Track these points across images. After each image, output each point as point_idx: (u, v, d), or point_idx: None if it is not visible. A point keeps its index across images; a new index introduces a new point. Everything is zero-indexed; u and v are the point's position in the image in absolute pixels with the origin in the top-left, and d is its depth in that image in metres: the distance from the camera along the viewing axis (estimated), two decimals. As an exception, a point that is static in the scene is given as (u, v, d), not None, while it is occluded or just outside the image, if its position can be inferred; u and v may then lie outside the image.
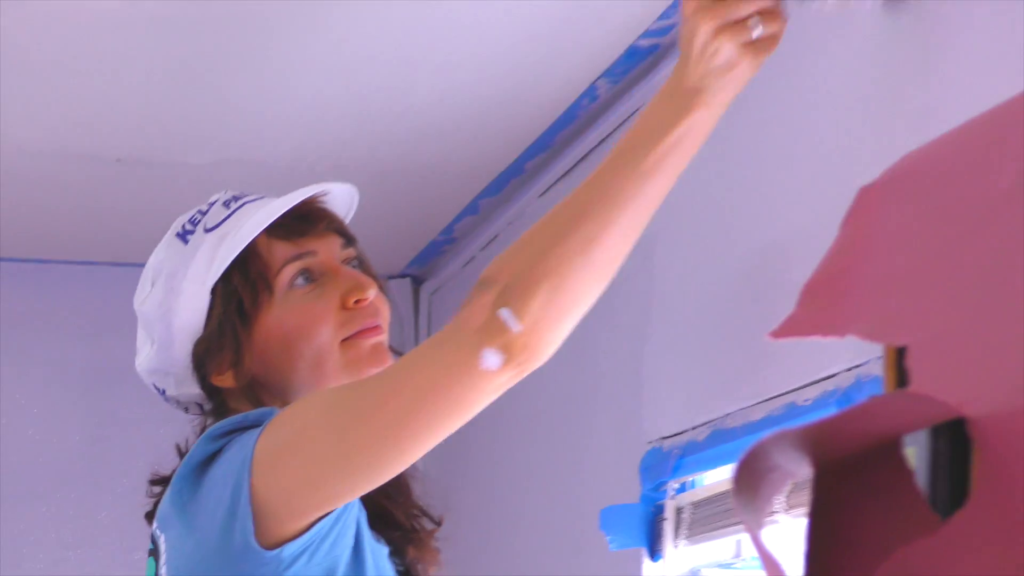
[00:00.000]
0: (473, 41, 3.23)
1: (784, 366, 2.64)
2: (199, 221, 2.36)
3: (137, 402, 4.84)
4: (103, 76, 3.42)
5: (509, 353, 1.95)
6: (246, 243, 2.30)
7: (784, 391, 2.63)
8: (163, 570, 2.24)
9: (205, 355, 2.32)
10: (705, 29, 2.04)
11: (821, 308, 1.36)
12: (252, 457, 2.10)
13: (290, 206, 2.33)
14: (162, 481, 2.34)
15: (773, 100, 2.71)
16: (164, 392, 2.40)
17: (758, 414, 2.72)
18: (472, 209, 4.29)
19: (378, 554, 2.29)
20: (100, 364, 4.90)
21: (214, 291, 2.31)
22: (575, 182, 3.69)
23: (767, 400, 2.69)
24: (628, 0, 3.01)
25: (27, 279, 4.88)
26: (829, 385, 2.49)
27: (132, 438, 4.88)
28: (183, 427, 4.73)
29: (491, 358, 1.95)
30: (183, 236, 2.36)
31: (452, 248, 4.64)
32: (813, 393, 2.54)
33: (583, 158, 3.70)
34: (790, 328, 1.40)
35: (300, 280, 2.31)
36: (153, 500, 2.36)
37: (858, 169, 2.26)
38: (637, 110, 3.38)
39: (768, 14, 2.05)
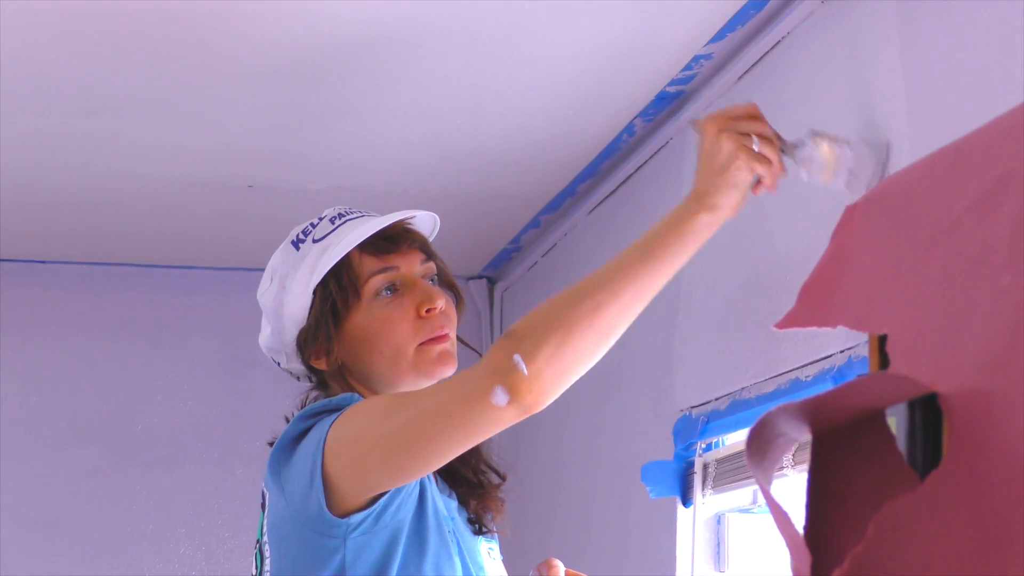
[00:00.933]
0: (533, 91, 3.24)
1: (789, 348, 2.64)
2: (310, 232, 2.38)
3: (265, 382, 4.88)
4: (239, 118, 3.45)
5: (516, 393, 1.95)
6: (340, 257, 2.31)
7: (790, 368, 2.63)
8: (265, 522, 2.26)
9: (305, 343, 2.34)
10: (711, 132, 2.05)
11: (816, 304, 1.37)
12: (324, 442, 2.12)
13: (379, 228, 2.34)
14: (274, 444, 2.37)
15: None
16: (279, 364, 2.43)
17: (769, 387, 2.72)
18: (535, 224, 4.30)
19: (448, 508, 2.29)
20: (236, 353, 4.92)
21: (315, 292, 2.32)
22: (618, 202, 3.74)
23: (776, 376, 2.69)
24: (657, 54, 3.02)
25: (177, 283, 4.91)
26: (826, 364, 2.49)
27: (261, 412, 4.84)
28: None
29: (500, 395, 1.95)
30: (296, 244, 2.38)
31: (519, 255, 4.65)
32: (813, 370, 2.54)
33: (623, 182, 3.71)
34: (791, 320, 1.41)
35: (384, 291, 2.32)
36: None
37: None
38: (667, 142, 3.39)
39: (766, 139, 2.05)
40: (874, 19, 2.38)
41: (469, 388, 2.00)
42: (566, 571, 2.20)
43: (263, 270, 2.44)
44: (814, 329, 2.55)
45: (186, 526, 4.88)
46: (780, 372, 2.67)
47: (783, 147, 2.08)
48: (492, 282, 4.96)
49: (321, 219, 2.40)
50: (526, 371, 1.94)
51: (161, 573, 4.84)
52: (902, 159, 2.08)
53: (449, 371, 2.31)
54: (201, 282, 4.91)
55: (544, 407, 1.98)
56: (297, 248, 2.37)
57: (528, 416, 1.99)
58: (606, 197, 3.83)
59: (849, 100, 2.46)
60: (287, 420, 2.35)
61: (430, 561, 2.22)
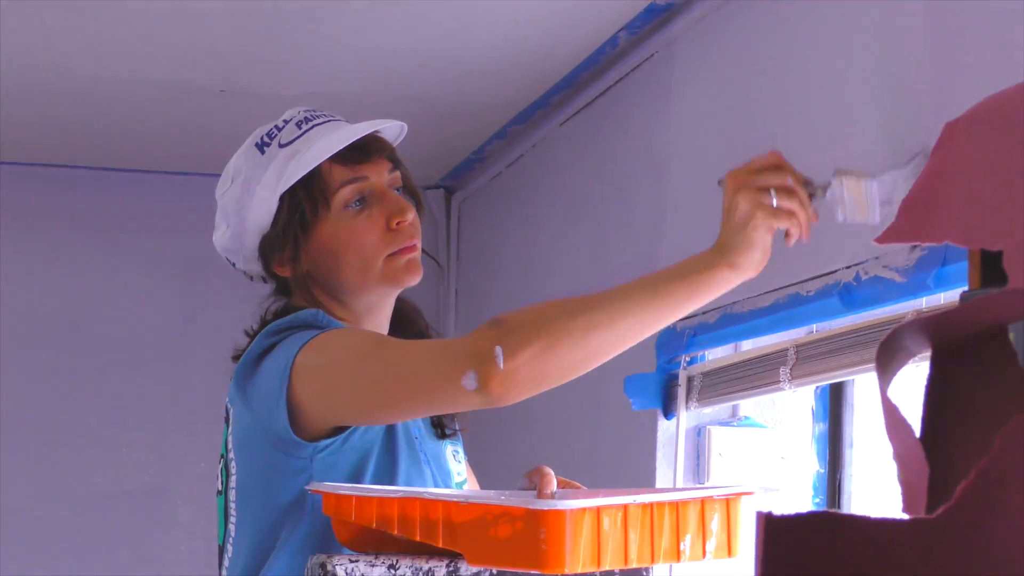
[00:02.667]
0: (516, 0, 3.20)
1: (788, 262, 2.62)
2: (275, 136, 2.32)
3: (221, 287, 4.85)
4: (216, 19, 3.38)
5: (485, 382, 1.91)
6: (313, 165, 2.26)
7: (789, 283, 2.62)
8: (230, 438, 2.23)
9: (269, 249, 2.30)
10: (730, 189, 2.00)
11: (919, 219, 1.35)
12: (292, 364, 2.10)
13: (353, 139, 2.28)
14: (238, 357, 2.33)
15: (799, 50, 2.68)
16: (235, 264, 2.38)
17: (766, 301, 2.71)
18: (501, 134, 4.26)
19: (412, 424, 2.28)
20: (192, 256, 4.87)
21: (282, 199, 2.27)
22: (594, 114, 3.71)
23: (774, 291, 2.67)
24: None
25: (131, 186, 4.84)
26: (831, 279, 2.48)
27: (218, 317, 4.86)
28: (257, 309, 4.74)
29: (470, 379, 1.92)
30: (260, 147, 2.32)
31: (480, 166, 4.61)
32: (816, 285, 2.53)
33: (600, 95, 3.67)
34: (893, 235, 1.39)
35: (354, 203, 2.28)
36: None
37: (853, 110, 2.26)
38: (651, 56, 3.36)
39: (787, 192, 1.99)
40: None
41: (443, 364, 1.98)
42: (558, 478, 2.19)
43: (219, 175, 2.39)
44: (806, 247, 2.56)
45: (140, 431, 4.84)
46: (778, 287, 2.65)
47: (812, 191, 2.02)
48: (450, 192, 4.91)
49: (287, 122, 2.34)
50: (502, 365, 1.90)
51: (114, 478, 4.81)
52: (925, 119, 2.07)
53: (415, 279, 2.29)
54: (160, 186, 4.85)
55: (510, 403, 1.93)
56: (262, 152, 2.31)
57: (492, 407, 1.96)
58: (581, 109, 3.80)
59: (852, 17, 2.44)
60: (247, 334, 2.31)
61: (402, 478, 2.21)
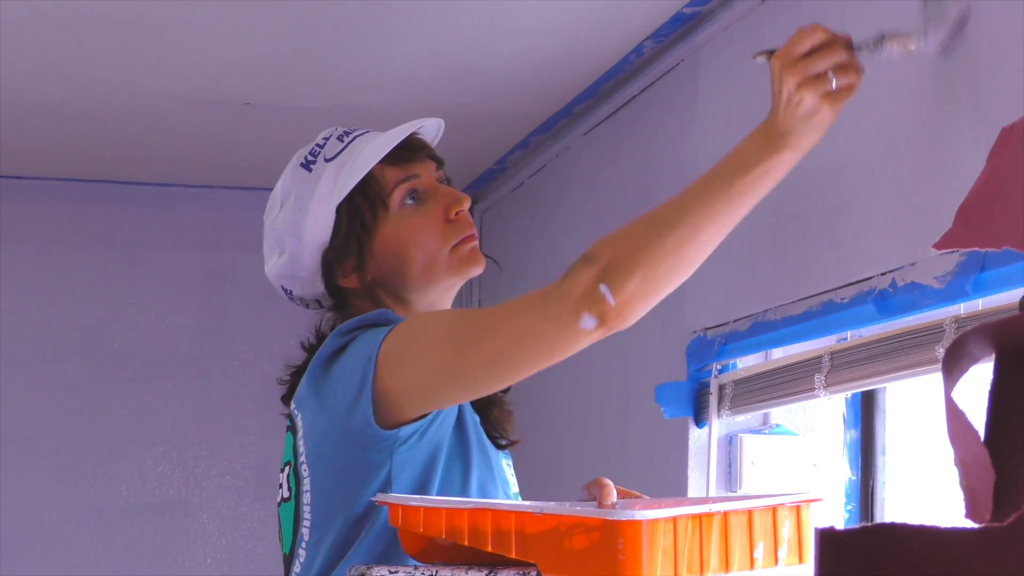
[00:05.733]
0: (547, 7, 3.18)
1: (823, 269, 2.62)
2: (319, 152, 2.34)
3: (242, 301, 4.86)
4: (239, 33, 3.38)
5: (603, 320, 1.98)
6: (367, 170, 2.29)
7: (823, 290, 2.61)
8: (300, 442, 2.23)
9: (334, 261, 2.31)
10: (790, 83, 2.03)
11: (976, 226, 1.35)
12: (377, 355, 2.10)
13: (400, 139, 2.33)
14: (295, 372, 2.33)
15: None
16: (291, 293, 2.39)
17: (798, 309, 2.70)
18: (523, 144, 4.25)
19: (476, 422, 2.29)
20: (213, 269, 4.88)
21: (339, 210, 2.30)
22: (618, 124, 3.70)
23: (807, 298, 2.66)
24: (679, -26, 2.98)
25: (152, 200, 4.85)
26: (866, 286, 2.46)
27: (236, 329, 4.88)
28: (276, 321, 4.74)
29: (588, 321, 1.98)
30: (306, 165, 2.34)
31: (503, 176, 4.61)
32: (850, 292, 2.52)
33: (624, 104, 3.67)
34: (950, 241, 1.38)
35: (409, 200, 2.30)
36: (287, 385, 2.35)
37: (893, 121, 2.26)
38: (677, 64, 3.35)
39: (843, 68, 2.04)
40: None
41: (556, 312, 2.00)
42: (617, 488, 2.19)
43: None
44: (840, 253, 2.56)
45: (164, 444, 4.85)
46: (811, 294, 2.64)
47: (860, 53, 2.04)
48: (472, 202, 4.89)
49: (327, 139, 2.37)
50: (613, 301, 1.97)
51: (139, 491, 4.81)
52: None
53: (479, 269, 2.33)
54: (182, 199, 4.85)
55: (631, 324, 2.01)
56: (309, 169, 2.34)
57: (615, 332, 2.02)
58: (605, 118, 3.79)
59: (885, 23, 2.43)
60: (303, 346, 2.33)
61: (475, 477, 2.22)
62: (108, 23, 3.30)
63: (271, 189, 2.39)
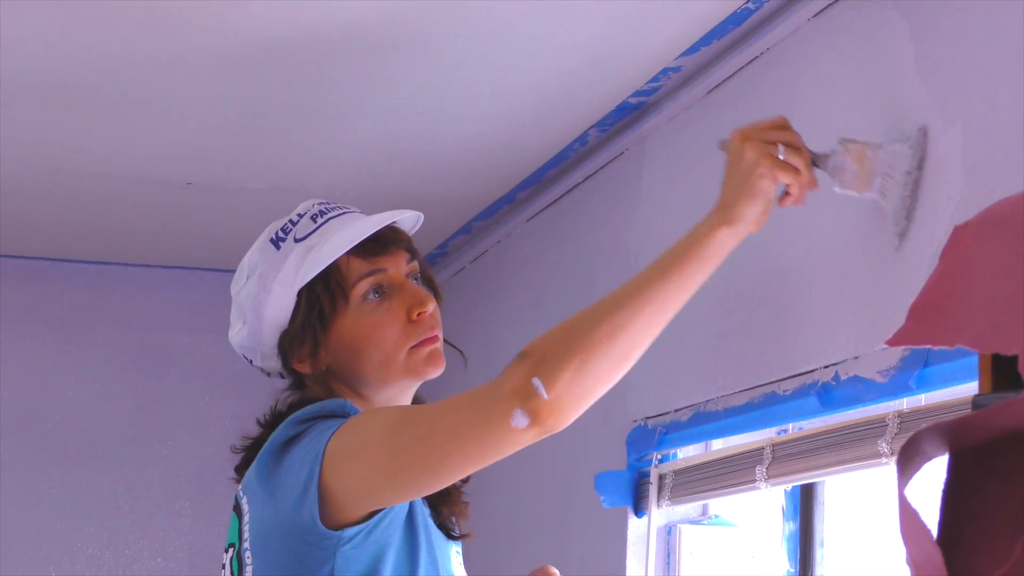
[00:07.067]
0: (494, 96, 3.19)
1: (765, 361, 2.62)
2: (290, 231, 2.29)
3: (177, 382, 4.83)
4: (182, 114, 3.37)
5: (536, 416, 1.91)
6: (332, 259, 2.23)
7: (765, 382, 2.61)
8: (246, 528, 2.19)
9: (288, 346, 2.27)
10: (750, 152, 2.04)
11: (929, 323, 1.34)
12: (324, 453, 2.06)
13: (372, 231, 2.27)
14: (251, 445, 2.30)
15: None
16: (252, 361, 2.36)
17: (740, 400, 2.70)
18: (465, 230, 4.25)
19: (426, 516, 2.25)
20: (150, 348, 4.85)
21: (299, 295, 2.25)
22: (561, 211, 3.70)
23: (749, 389, 2.66)
24: (626, 63, 2.98)
25: (90, 278, 4.81)
26: (808, 379, 2.47)
27: (174, 410, 4.84)
28: (212, 403, 4.69)
29: (520, 419, 1.91)
30: (276, 242, 2.29)
31: (443, 260, 4.60)
32: (793, 385, 2.52)
33: (568, 192, 3.68)
34: (903, 338, 1.38)
35: (372, 295, 2.26)
36: (240, 455, 2.31)
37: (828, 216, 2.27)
38: (622, 153, 3.36)
39: (794, 149, 2.06)
40: (881, 28, 2.36)
41: (487, 410, 1.95)
42: None
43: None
44: (783, 346, 2.56)
45: (94, 526, 4.79)
46: (754, 385, 2.64)
47: (813, 159, 2.07)
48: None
49: (301, 216, 2.32)
50: (546, 395, 1.90)
51: (68, 573, 4.74)
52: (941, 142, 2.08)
53: (438, 371, 2.26)
54: (120, 278, 4.81)
55: (565, 426, 1.94)
56: (277, 247, 2.29)
57: (548, 435, 1.95)
58: (548, 205, 3.80)
59: (829, 114, 2.45)
60: (259, 423, 2.28)
61: (421, 574, 2.18)
62: (48, 101, 3.28)
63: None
